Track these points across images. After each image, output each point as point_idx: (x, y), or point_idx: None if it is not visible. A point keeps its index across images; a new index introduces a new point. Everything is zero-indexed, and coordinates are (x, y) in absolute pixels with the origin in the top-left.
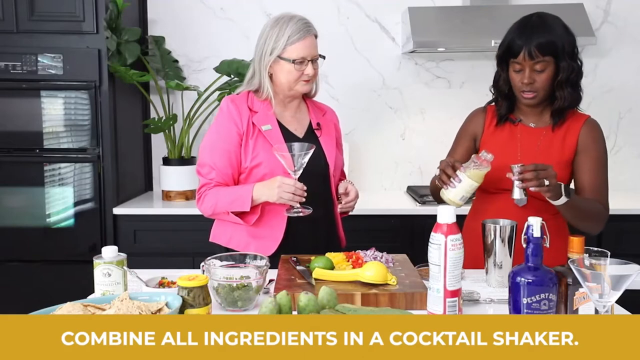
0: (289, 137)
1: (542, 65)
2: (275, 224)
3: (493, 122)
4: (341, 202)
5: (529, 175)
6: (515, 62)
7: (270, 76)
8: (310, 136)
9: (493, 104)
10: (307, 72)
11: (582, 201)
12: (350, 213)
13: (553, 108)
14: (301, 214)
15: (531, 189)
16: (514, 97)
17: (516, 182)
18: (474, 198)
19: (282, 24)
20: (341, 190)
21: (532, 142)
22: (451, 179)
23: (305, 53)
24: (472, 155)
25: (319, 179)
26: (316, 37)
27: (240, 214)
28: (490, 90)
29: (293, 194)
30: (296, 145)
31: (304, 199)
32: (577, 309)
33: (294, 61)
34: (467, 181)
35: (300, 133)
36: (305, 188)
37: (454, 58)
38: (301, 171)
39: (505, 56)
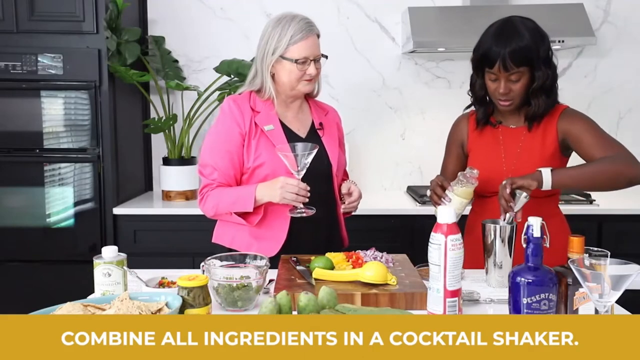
0: (291, 137)
1: (517, 75)
2: (278, 225)
3: (476, 127)
4: (344, 203)
5: (505, 202)
6: (491, 72)
7: (272, 76)
8: (313, 136)
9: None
10: (309, 72)
11: (579, 166)
12: (352, 213)
13: (527, 114)
14: (304, 215)
15: (517, 192)
16: (491, 101)
17: (515, 208)
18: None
19: (284, 23)
20: (344, 190)
21: (514, 143)
22: (442, 199)
23: (308, 53)
24: (459, 173)
25: (322, 179)
26: (318, 36)
27: (243, 215)
28: (468, 94)
29: (296, 194)
30: (299, 146)
31: (307, 199)
32: (577, 309)
33: (296, 61)
34: (456, 199)
35: (302, 133)
36: (308, 188)
37: (454, 58)
38: (304, 171)
39: (481, 64)
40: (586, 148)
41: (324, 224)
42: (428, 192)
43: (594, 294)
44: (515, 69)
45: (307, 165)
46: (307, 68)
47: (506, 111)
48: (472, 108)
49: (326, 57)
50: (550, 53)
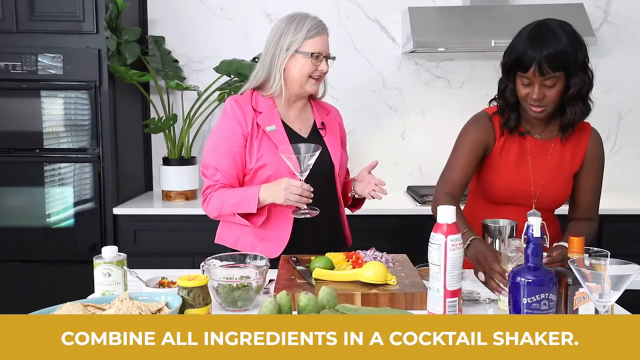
0: (293, 137)
1: (552, 80)
2: (282, 226)
3: (501, 134)
4: (354, 193)
5: (558, 260)
6: (524, 77)
7: (282, 72)
8: (315, 136)
9: (497, 114)
10: (321, 68)
11: (583, 231)
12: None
13: (562, 122)
14: (308, 216)
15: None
16: (521, 108)
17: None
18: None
19: (298, 19)
20: (368, 169)
21: (542, 155)
22: (502, 286)
23: (322, 48)
24: (503, 251)
25: (325, 179)
26: (327, 36)
27: (247, 216)
28: (495, 99)
29: (300, 195)
30: (302, 147)
31: (310, 200)
32: (577, 309)
33: (312, 54)
34: None
35: (304, 133)
36: (312, 189)
37: (454, 58)
38: (307, 172)
39: (514, 68)
40: (584, 191)
41: (327, 224)
42: (481, 276)
43: (594, 294)
44: (551, 73)
45: (310, 167)
46: (320, 64)
47: (538, 118)
48: (485, 110)
49: (334, 58)
50: (586, 60)
